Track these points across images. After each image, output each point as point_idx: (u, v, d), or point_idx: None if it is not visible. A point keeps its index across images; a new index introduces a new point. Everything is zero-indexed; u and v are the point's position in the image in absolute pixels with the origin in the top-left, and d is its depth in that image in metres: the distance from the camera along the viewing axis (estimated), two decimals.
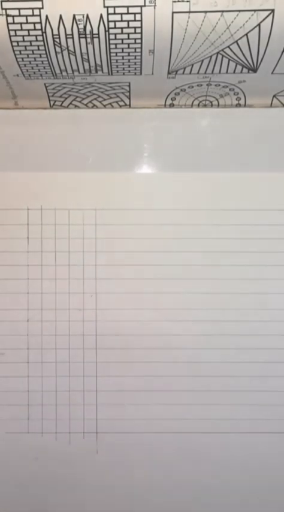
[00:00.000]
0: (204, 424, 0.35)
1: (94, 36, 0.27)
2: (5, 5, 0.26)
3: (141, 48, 0.28)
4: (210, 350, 0.35)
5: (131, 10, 0.26)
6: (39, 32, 0.27)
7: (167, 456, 0.35)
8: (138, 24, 0.27)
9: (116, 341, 0.35)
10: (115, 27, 0.27)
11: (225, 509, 0.35)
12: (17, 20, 0.27)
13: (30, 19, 0.27)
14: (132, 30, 0.27)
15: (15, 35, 0.27)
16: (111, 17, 0.27)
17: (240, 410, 0.34)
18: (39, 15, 0.26)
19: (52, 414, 0.35)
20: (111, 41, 0.28)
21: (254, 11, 0.26)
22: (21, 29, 0.27)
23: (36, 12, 0.26)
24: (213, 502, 0.35)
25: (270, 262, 0.35)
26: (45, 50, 0.28)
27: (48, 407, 0.35)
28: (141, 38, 0.28)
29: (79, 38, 0.27)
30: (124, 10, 0.26)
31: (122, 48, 0.28)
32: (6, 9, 0.26)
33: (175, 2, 0.26)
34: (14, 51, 0.28)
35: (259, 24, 0.27)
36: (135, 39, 0.28)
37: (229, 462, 0.35)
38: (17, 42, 0.28)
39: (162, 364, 0.35)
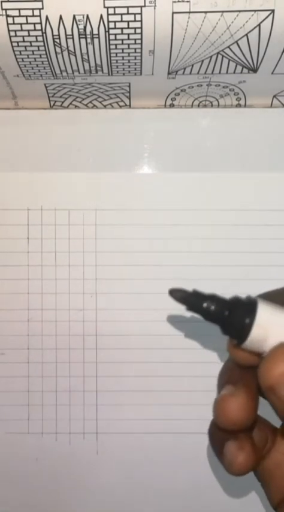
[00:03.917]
0: (204, 424, 0.35)
1: (94, 36, 0.27)
2: (5, 5, 0.26)
3: (141, 48, 0.28)
4: (211, 350, 0.35)
5: (131, 10, 0.26)
6: (39, 33, 0.27)
7: (167, 457, 0.35)
8: (138, 24, 0.27)
9: (116, 341, 0.35)
10: (115, 28, 0.27)
11: (225, 509, 0.35)
12: (17, 20, 0.27)
13: (30, 19, 0.27)
14: (132, 31, 0.27)
15: (15, 36, 0.27)
16: (111, 18, 0.27)
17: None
18: (39, 16, 0.26)
19: (52, 414, 0.35)
20: (111, 42, 0.28)
21: (255, 11, 0.26)
22: (21, 30, 0.27)
23: (36, 12, 0.26)
24: (213, 502, 0.35)
25: (270, 263, 0.35)
26: (45, 50, 0.28)
27: (48, 407, 0.35)
28: (141, 39, 0.28)
29: (79, 38, 0.27)
30: (124, 10, 0.26)
31: (122, 49, 0.28)
32: (6, 9, 0.26)
33: (175, 2, 0.26)
34: (14, 51, 0.28)
35: (259, 25, 0.27)
36: (135, 39, 0.28)
37: None
38: (17, 42, 0.28)
39: (162, 365, 0.35)
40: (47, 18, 0.26)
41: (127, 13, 0.26)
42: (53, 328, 0.35)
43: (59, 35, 0.27)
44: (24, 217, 0.35)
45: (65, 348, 0.35)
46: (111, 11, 0.26)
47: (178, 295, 0.22)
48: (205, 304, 0.21)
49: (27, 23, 0.27)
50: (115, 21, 0.27)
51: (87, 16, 0.27)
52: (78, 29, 0.27)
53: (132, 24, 0.27)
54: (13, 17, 0.26)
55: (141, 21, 0.27)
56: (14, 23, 0.27)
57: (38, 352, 0.35)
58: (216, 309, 0.21)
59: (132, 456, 0.35)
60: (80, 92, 0.33)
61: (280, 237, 0.35)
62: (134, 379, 0.35)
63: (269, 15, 0.26)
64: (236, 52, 0.29)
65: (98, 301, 0.35)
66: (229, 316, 0.21)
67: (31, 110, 0.35)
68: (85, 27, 0.27)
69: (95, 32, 0.27)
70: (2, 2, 0.26)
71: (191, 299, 0.21)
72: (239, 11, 0.26)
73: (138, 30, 0.27)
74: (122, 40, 0.28)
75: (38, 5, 0.26)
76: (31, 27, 0.27)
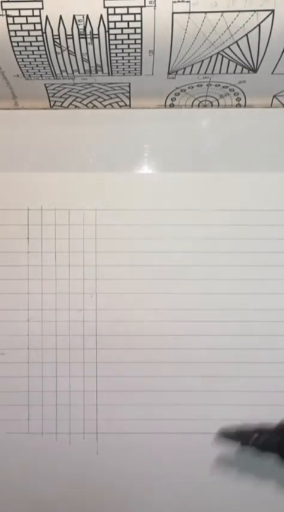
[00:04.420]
0: (204, 424, 0.35)
1: (94, 36, 0.27)
2: (5, 5, 0.26)
3: (141, 48, 0.28)
4: (210, 350, 0.35)
5: (131, 10, 0.26)
6: (39, 33, 0.27)
7: (167, 457, 0.35)
8: (138, 24, 0.27)
9: (116, 341, 0.35)
10: (115, 28, 0.27)
11: (225, 510, 0.35)
12: (17, 20, 0.27)
13: (30, 19, 0.27)
14: (132, 31, 0.27)
15: (15, 36, 0.27)
16: (111, 18, 0.27)
17: (241, 410, 0.34)
18: (39, 16, 0.26)
19: (52, 414, 0.35)
20: (111, 42, 0.28)
21: (254, 11, 0.26)
22: (21, 30, 0.27)
23: (36, 12, 0.26)
24: (213, 502, 0.35)
25: (270, 263, 0.35)
26: (45, 50, 0.28)
27: (49, 407, 0.35)
28: (141, 39, 0.28)
29: (79, 38, 0.27)
30: (124, 10, 0.26)
31: (122, 49, 0.28)
32: (6, 9, 0.26)
33: (175, 2, 0.26)
34: (14, 51, 0.28)
35: (259, 25, 0.27)
36: (135, 39, 0.28)
37: (229, 462, 0.35)
38: (17, 42, 0.28)
39: (162, 365, 0.35)
40: (47, 18, 0.27)
41: (127, 13, 0.26)
42: (53, 328, 0.35)
43: (59, 35, 0.27)
44: (24, 217, 0.35)
45: (65, 348, 0.35)
46: (111, 11, 0.26)
47: (227, 437, 0.25)
48: (254, 438, 0.23)
49: (27, 23, 0.27)
50: (115, 21, 0.27)
51: (87, 16, 0.27)
52: (78, 29, 0.27)
53: (132, 24, 0.27)
54: (13, 17, 0.26)
55: (141, 21, 0.27)
56: (14, 23, 0.27)
57: (38, 352, 0.35)
58: (266, 439, 0.22)
59: (132, 456, 0.35)
60: (80, 92, 0.33)
61: (280, 237, 0.35)
62: (134, 379, 0.35)
63: (269, 15, 0.26)
64: (236, 52, 0.29)
65: (98, 301, 0.35)
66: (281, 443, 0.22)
67: (31, 110, 0.35)
68: (85, 27, 0.27)
69: (95, 32, 0.27)
70: (2, 2, 0.26)
71: (239, 437, 0.24)
72: (239, 11, 0.26)
73: (138, 30, 0.27)
74: (122, 40, 0.28)
75: (38, 5, 0.26)
76: (31, 27, 0.27)
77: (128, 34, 0.27)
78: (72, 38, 0.27)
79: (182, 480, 0.35)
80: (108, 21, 0.27)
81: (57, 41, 0.28)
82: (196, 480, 0.35)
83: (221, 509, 0.35)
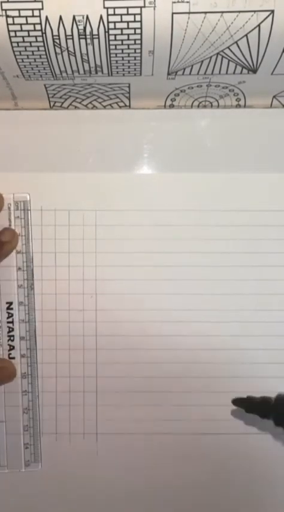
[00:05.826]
0: (204, 425, 0.35)
1: (94, 37, 0.27)
2: (5, 5, 0.26)
3: (141, 49, 0.28)
4: (210, 351, 0.35)
5: (131, 11, 0.26)
6: (39, 33, 0.27)
7: (167, 457, 0.35)
8: (137, 25, 0.27)
9: (116, 342, 0.35)
10: (115, 28, 0.27)
11: (225, 510, 0.35)
12: (16, 20, 0.27)
13: (30, 20, 0.27)
14: (132, 31, 0.27)
15: (15, 36, 0.27)
16: (111, 18, 0.27)
17: (240, 411, 0.34)
18: (39, 16, 0.26)
19: (52, 415, 0.35)
20: (111, 42, 0.28)
21: (254, 11, 0.26)
22: (21, 30, 0.27)
23: (36, 13, 0.26)
24: (213, 502, 0.35)
25: (270, 263, 0.35)
26: (45, 50, 0.28)
27: (48, 408, 0.35)
28: (141, 39, 0.28)
29: (79, 38, 0.27)
30: (124, 11, 0.26)
31: (122, 49, 0.28)
32: (6, 10, 0.26)
33: (175, 2, 0.26)
34: (14, 52, 0.28)
35: (258, 25, 0.27)
36: (135, 40, 0.28)
37: (229, 462, 0.35)
38: (17, 43, 0.28)
39: (162, 365, 0.35)
40: (46, 18, 0.27)
41: (127, 14, 0.26)
42: (52, 328, 0.35)
43: (58, 35, 0.27)
44: None
45: (65, 349, 0.35)
46: (110, 11, 0.26)
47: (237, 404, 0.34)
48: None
49: (27, 23, 0.27)
50: (115, 22, 0.27)
51: (87, 16, 0.27)
52: (78, 29, 0.27)
53: (131, 25, 0.27)
54: (13, 17, 0.26)
55: (140, 21, 0.27)
56: (13, 24, 0.27)
57: (38, 353, 0.35)
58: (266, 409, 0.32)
59: (132, 457, 0.35)
60: (80, 93, 0.33)
61: (280, 238, 0.35)
62: (134, 379, 0.35)
63: (269, 15, 0.26)
64: (236, 52, 0.29)
65: (98, 301, 0.35)
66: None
67: (31, 110, 0.35)
68: (85, 28, 0.27)
69: (95, 32, 0.27)
70: (2, 2, 0.26)
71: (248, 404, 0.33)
72: (239, 12, 0.26)
73: (138, 31, 0.27)
74: (122, 40, 0.28)
75: (38, 5, 0.26)
76: (31, 27, 0.27)
77: (128, 34, 0.27)
78: (72, 39, 0.27)
79: (182, 480, 0.35)
80: (108, 22, 0.27)
81: (57, 41, 0.28)
82: (196, 480, 0.35)
83: (221, 509, 0.35)
